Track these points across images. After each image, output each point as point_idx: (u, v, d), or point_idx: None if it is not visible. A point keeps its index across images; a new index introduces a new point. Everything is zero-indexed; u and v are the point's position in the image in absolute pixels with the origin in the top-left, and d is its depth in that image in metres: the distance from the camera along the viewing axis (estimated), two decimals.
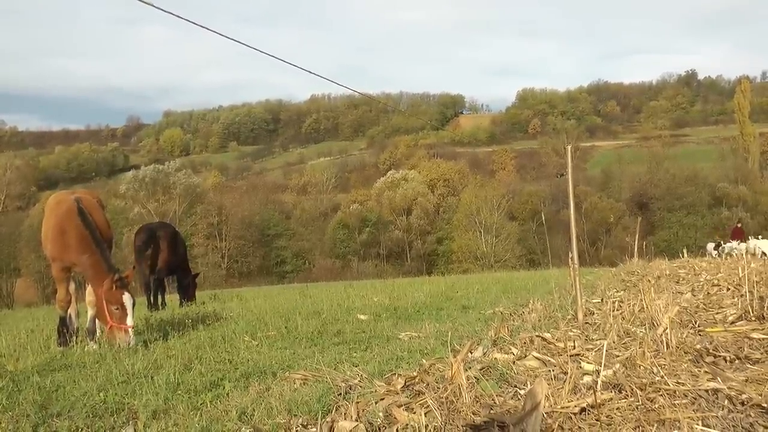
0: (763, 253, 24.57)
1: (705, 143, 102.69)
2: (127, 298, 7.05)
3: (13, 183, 78.51)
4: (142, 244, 13.69)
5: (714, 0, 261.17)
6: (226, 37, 4.09)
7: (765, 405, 3.06)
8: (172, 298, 15.95)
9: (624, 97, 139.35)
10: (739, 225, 31.54)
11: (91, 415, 3.87)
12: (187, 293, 14.90)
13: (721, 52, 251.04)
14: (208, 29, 3.86)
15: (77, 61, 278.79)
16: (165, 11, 3.35)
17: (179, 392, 4.37)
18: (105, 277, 7.12)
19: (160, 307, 13.51)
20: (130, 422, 3.67)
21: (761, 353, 4.30)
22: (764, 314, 5.53)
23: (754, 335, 4.86)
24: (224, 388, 4.46)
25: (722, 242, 28.55)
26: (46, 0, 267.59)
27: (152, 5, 3.23)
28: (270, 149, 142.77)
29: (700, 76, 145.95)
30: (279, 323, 7.93)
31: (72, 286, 7.76)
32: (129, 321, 7.05)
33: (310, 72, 5.06)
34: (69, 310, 7.59)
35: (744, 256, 16.76)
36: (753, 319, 5.55)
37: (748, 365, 4.00)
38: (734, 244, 26.58)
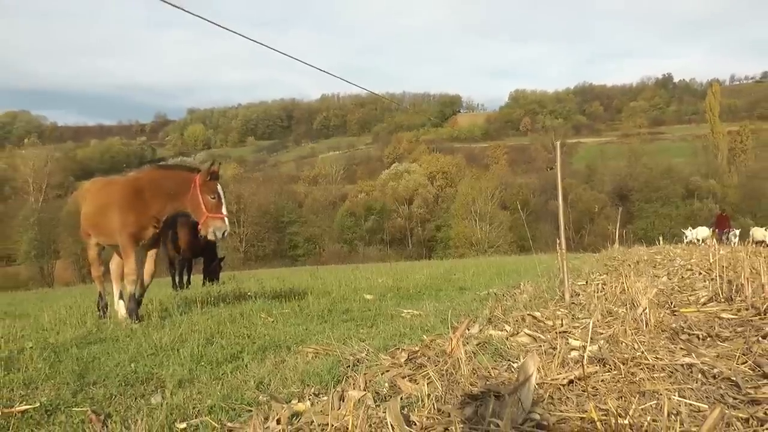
0: (702, 240, 24.72)
1: (679, 140, 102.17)
2: (220, 188, 6.95)
3: (53, 173, 78.54)
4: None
5: (688, 10, 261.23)
6: (250, 39, 4.06)
7: (734, 378, 3.05)
8: (196, 278, 15.97)
9: (607, 98, 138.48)
10: (723, 213, 30.24)
11: (123, 384, 3.88)
12: (213, 274, 14.98)
13: (694, 58, 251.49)
14: (233, 32, 3.84)
15: (111, 60, 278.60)
16: (195, 14, 3.32)
17: (202, 363, 4.38)
18: (192, 177, 6.94)
19: (185, 286, 13.53)
20: (159, 390, 3.68)
21: (730, 332, 4.28)
22: (732, 296, 5.51)
23: (724, 315, 4.85)
24: (243, 360, 4.47)
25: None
26: (82, 5, 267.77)
27: (183, 9, 3.21)
28: (284, 144, 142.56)
29: (676, 79, 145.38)
30: (292, 302, 7.94)
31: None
32: (224, 210, 6.96)
33: (323, 71, 5.03)
34: (131, 287, 7.09)
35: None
36: (722, 300, 5.53)
37: (719, 342, 3.99)
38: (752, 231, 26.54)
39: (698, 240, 26.15)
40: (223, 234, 6.98)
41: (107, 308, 7.68)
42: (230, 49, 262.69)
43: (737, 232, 26.17)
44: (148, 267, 7.32)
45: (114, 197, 7.15)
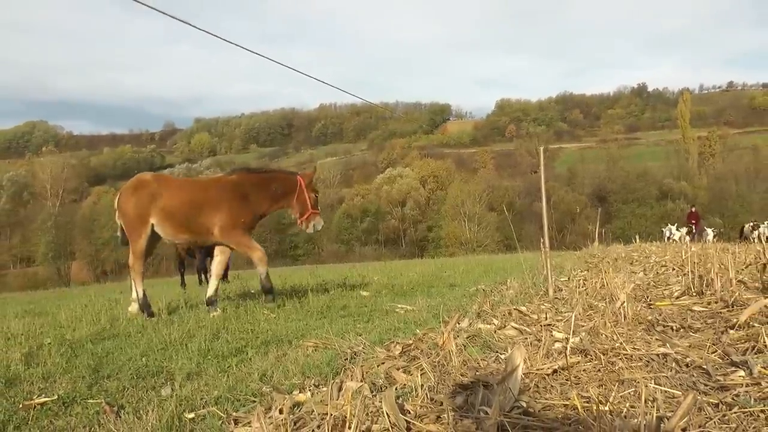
0: (679, 238, 24.69)
1: (653, 145, 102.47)
2: None
3: (69, 179, 78.58)
4: None
5: (661, 24, 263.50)
6: (254, 52, 4.05)
7: (705, 367, 3.06)
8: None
9: (586, 106, 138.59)
10: (693, 209, 29.61)
11: (135, 377, 3.87)
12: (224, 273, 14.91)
13: (666, 68, 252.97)
14: (239, 46, 3.83)
15: (123, 73, 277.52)
16: (203, 30, 3.31)
17: (209, 357, 4.36)
18: (295, 180, 7.12)
19: (200, 284, 13.41)
20: (168, 383, 3.67)
21: (701, 323, 4.30)
22: (703, 290, 5.52)
23: (695, 308, 4.86)
24: (247, 353, 4.45)
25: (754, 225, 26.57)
26: (97, 21, 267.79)
27: (191, 24, 3.20)
28: (285, 150, 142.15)
29: (650, 88, 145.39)
30: (293, 299, 7.91)
31: None
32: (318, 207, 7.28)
33: (322, 81, 5.03)
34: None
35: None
36: (694, 294, 5.54)
37: (691, 333, 3.99)
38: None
39: (673, 238, 25.99)
40: (320, 227, 7.31)
41: (150, 307, 7.06)
42: (235, 64, 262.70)
43: (710, 231, 25.87)
44: (224, 258, 7.46)
45: (218, 198, 6.93)
